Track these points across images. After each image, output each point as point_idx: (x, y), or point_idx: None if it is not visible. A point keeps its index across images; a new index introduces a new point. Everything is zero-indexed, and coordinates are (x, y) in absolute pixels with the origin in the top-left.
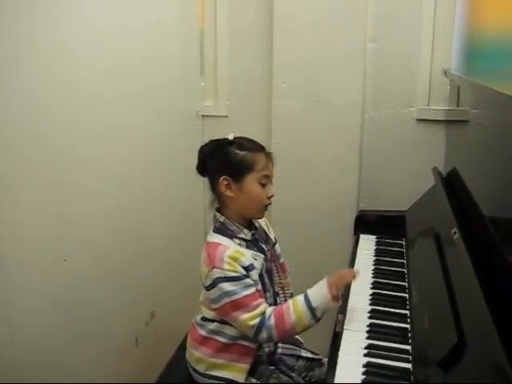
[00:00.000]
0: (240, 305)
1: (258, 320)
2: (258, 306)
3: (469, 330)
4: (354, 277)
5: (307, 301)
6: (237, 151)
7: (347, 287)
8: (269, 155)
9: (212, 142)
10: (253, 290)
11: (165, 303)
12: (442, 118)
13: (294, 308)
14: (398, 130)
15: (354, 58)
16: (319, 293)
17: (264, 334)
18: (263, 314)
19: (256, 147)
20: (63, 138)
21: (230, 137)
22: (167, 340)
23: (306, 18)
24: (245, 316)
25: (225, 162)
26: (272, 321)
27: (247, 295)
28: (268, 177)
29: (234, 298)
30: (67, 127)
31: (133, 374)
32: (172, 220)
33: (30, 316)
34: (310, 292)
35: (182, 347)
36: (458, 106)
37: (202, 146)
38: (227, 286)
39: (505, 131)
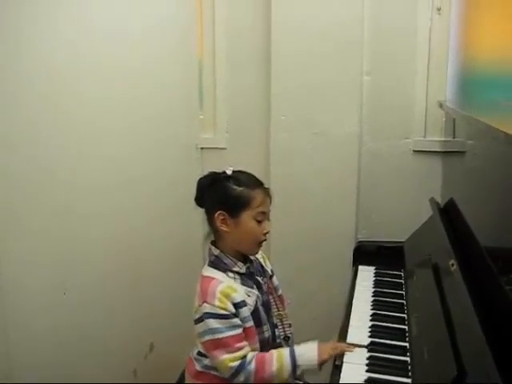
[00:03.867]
0: (222, 344)
1: (238, 363)
2: (240, 348)
3: (468, 362)
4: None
5: (292, 356)
6: (234, 187)
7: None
8: (266, 191)
9: (210, 174)
10: (239, 330)
11: (164, 335)
12: (438, 150)
13: (278, 358)
14: (395, 161)
15: (350, 90)
16: (307, 353)
17: (241, 378)
18: (244, 357)
19: (253, 183)
20: (64, 168)
21: (229, 171)
22: (166, 373)
23: (304, 51)
24: (225, 356)
25: (222, 196)
26: (252, 366)
27: (232, 336)
28: (264, 213)
29: (217, 336)
30: (67, 157)
31: None
32: (171, 252)
33: (28, 349)
34: (297, 349)
35: (181, 381)
36: (454, 138)
37: (201, 178)
38: (213, 323)
39: (499, 163)
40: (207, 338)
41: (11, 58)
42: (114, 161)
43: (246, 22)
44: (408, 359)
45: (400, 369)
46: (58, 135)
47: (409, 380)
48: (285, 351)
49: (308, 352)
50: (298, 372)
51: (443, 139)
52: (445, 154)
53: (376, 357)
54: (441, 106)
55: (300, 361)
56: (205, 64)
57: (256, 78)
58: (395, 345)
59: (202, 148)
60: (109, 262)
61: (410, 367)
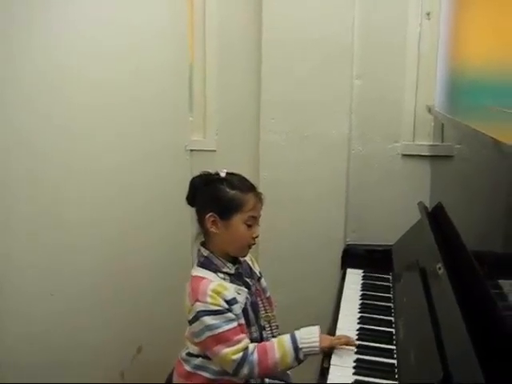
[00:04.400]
0: (222, 339)
1: (240, 355)
2: (240, 340)
3: (453, 365)
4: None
5: (293, 340)
6: (227, 189)
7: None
8: (258, 196)
9: (204, 175)
10: (235, 324)
11: (152, 338)
12: (426, 154)
13: (279, 345)
14: (384, 164)
15: (340, 94)
16: (308, 336)
17: (245, 370)
18: (246, 348)
19: (247, 187)
20: (51, 173)
21: (223, 173)
22: (153, 375)
23: (295, 55)
24: (227, 350)
25: (214, 198)
26: (255, 356)
27: (229, 329)
28: (255, 218)
29: (216, 331)
30: (56, 163)
31: None
32: (159, 254)
33: (15, 351)
34: (297, 333)
35: (168, 382)
36: (442, 142)
37: (194, 178)
38: (209, 320)
39: (486, 167)
40: (206, 335)
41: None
42: (102, 163)
43: (236, 27)
44: (395, 362)
45: (387, 372)
46: (47, 139)
47: (396, 382)
48: (285, 337)
49: (309, 334)
50: (301, 356)
51: (432, 143)
52: (433, 158)
53: (363, 359)
54: (429, 110)
55: (302, 343)
56: (195, 67)
57: (246, 82)
58: (382, 348)
59: (191, 150)
60: (96, 265)
61: (396, 370)
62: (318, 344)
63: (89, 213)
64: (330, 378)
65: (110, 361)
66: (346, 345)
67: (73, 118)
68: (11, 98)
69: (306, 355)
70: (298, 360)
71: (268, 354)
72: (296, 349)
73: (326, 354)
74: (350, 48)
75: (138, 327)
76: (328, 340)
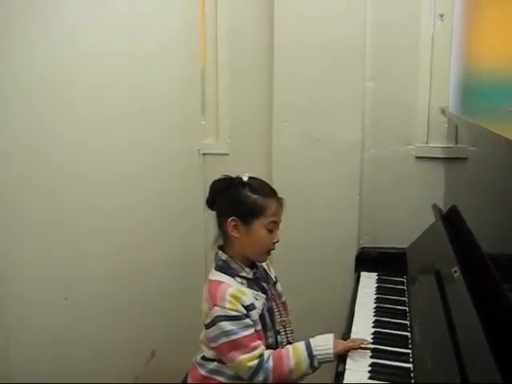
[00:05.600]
0: (238, 345)
1: (255, 362)
2: (256, 347)
3: (471, 369)
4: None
5: (308, 348)
6: (249, 194)
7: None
8: (280, 201)
9: (226, 178)
10: (252, 330)
11: (166, 342)
12: (440, 156)
13: (294, 352)
14: (398, 167)
15: (353, 96)
16: (323, 343)
17: (260, 377)
18: (261, 355)
19: (269, 192)
20: (64, 182)
21: (245, 178)
22: (167, 379)
23: (307, 58)
24: (243, 357)
25: (236, 202)
26: (270, 363)
27: (246, 336)
28: (276, 223)
29: (233, 337)
30: (68, 171)
31: None
32: (173, 259)
33: (29, 353)
34: (312, 340)
35: None
36: (456, 144)
37: (215, 181)
38: (227, 325)
39: (501, 169)
40: (222, 340)
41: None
42: (114, 166)
43: (248, 30)
44: (411, 366)
45: (403, 376)
46: (60, 148)
47: None
48: (300, 344)
49: (323, 342)
50: (316, 363)
51: (445, 145)
52: (447, 160)
53: (379, 363)
54: (443, 112)
55: (316, 351)
56: (207, 71)
57: (258, 85)
58: (398, 352)
59: (204, 154)
60: (111, 272)
61: (412, 374)
62: (332, 351)
63: (102, 219)
64: (345, 382)
65: (123, 364)
66: (361, 347)
67: (86, 125)
68: (18, 108)
69: (321, 362)
70: (313, 367)
71: (283, 362)
72: (311, 356)
73: (341, 357)
74: (362, 50)
75: (152, 332)
76: (342, 345)
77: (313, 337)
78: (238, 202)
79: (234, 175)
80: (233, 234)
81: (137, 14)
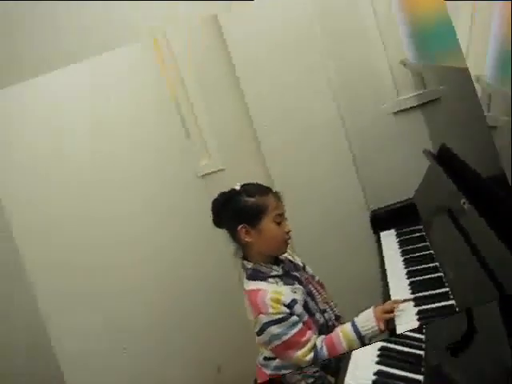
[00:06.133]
0: (290, 344)
1: (311, 355)
2: (308, 341)
3: (505, 282)
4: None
5: (356, 330)
6: (247, 198)
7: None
8: (277, 194)
9: (222, 194)
10: (300, 326)
11: (231, 358)
12: (414, 104)
13: (344, 337)
14: (380, 128)
15: (318, 77)
16: (368, 322)
17: (320, 362)
18: (315, 346)
19: (263, 191)
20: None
21: (237, 187)
22: None
23: (266, 54)
24: (298, 353)
25: (239, 211)
26: (324, 351)
27: (295, 333)
28: (281, 215)
29: (284, 338)
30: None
31: None
32: (217, 277)
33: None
34: (357, 321)
35: None
36: (425, 89)
37: (214, 200)
38: (274, 329)
39: (471, 97)
40: (274, 344)
41: None
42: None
43: (206, 55)
44: (453, 302)
45: (448, 313)
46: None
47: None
48: (347, 327)
49: (368, 321)
50: (367, 341)
51: (416, 93)
52: (422, 106)
53: (424, 310)
54: (405, 65)
55: (364, 331)
56: (181, 103)
57: (231, 99)
58: (438, 293)
59: (202, 176)
60: (152, 302)
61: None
62: (377, 327)
63: (115, 256)
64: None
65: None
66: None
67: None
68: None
69: (371, 338)
70: (365, 344)
71: (336, 348)
72: (360, 337)
73: (390, 329)
74: (315, 33)
75: (217, 348)
76: (382, 320)
77: (356, 315)
78: (240, 210)
79: (227, 190)
80: (246, 239)
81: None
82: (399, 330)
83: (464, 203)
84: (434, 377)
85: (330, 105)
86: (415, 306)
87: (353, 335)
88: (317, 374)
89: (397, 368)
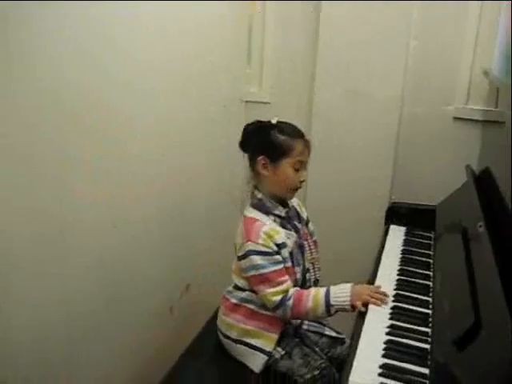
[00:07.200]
0: (266, 279)
1: (279, 297)
2: (282, 282)
3: (485, 317)
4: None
5: (327, 297)
6: (278, 135)
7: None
8: (306, 142)
9: (256, 122)
10: (280, 266)
11: (200, 277)
12: (479, 118)
13: (314, 297)
14: (435, 126)
15: (396, 53)
16: (341, 295)
17: (280, 311)
18: (286, 292)
19: (296, 133)
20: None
21: (274, 120)
22: (200, 311)
23: (353, 12)
24: (268, 290)
25: (265, 143)
26: (291, 301)
27: (274, 271)
28: (302, 163)
29: (262, 271)
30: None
31: (166, 339)
32: (210, 198)
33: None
34: (332, 290)
35: (214, 318)
36: (496, 107)
37: (247, 125)
38: (257, 259)
39: None
40: (251, 273)
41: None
42: (157, 111)
43: None
44: (430, 312)
45: (421, 319)
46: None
47: (428, 330)
48: (321, 290)
49: (342, 293)
50: (332, 311)
51: (485, 108)
52: (485, 123)
53: (400, 307)
54: (486, 74)
55: (333, 301)
56: (255, 20)
57: (304, 37)
58: (419, 298)
59: (246, 101)
60: (154, 207)
61: (431, 318)
62: (349, 303)
63: (150, 165)
64: (367, 321)
65: (160, 296)
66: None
67: (128, 71)
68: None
69: (337, 311)
70: (329, 314)
71: (302, 303)
72: (328, 304)
73: (361, 312)
74: (409, 7)
75: (187, 267)
76: (360, 299)
77: (336, 284)
78: (266, 143)
79: (265, 120)
80: (262, 172)
81: None
82: (368, 317)
83: (480, 226)
84: (439, 370)
85: (397, 83)
86: (393, 301)
87: (322, 301)
88: (323, 365)
89: (402, 361)
